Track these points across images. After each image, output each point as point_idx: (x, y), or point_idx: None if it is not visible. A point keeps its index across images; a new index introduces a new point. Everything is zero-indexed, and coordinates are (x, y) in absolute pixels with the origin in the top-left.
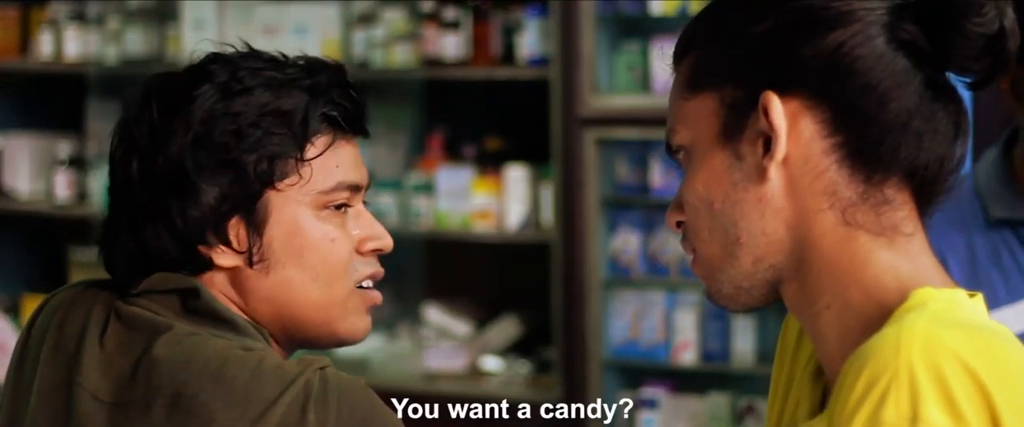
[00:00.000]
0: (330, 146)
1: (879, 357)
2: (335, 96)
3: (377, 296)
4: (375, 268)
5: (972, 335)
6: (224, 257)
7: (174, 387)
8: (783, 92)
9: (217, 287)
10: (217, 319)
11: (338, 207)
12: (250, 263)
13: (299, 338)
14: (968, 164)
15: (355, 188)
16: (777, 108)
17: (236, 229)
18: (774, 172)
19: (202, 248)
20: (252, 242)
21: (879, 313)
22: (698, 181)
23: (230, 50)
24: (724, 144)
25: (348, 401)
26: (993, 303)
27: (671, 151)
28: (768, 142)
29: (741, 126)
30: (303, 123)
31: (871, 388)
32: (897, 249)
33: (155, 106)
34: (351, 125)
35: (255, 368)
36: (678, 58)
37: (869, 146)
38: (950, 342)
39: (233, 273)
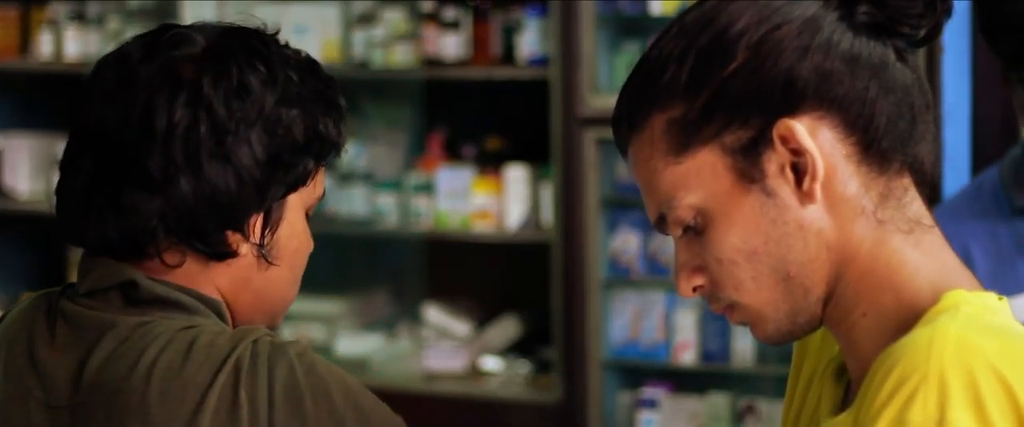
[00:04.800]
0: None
1: (909, 358)
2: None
3: None
4: None
5: (1005, 342)
6: (243, 245)
7: (115, 385)
8: (792, 115)
9: (232, 274)
10: (163, 303)
11: None
12: (262, 257)
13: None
14: (967, 160)
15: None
16: (801, 131)
17: (254, 222)
18: (818, 192)
19: (235, 230)
20: (264, 238)
21: (912, 315)
22: (731, 234)
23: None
24: (747, 188)
25: (280, 371)
26: (1016, 289)
27: (664, 224)
28: (796, 168)
29: (758, 165)
30: (339, 132)
31: (899, 388)
32: (924, 248)
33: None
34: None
35: (186, 352)
36: (637, 124)
37: (884, 136)
38: (983, 347)
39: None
